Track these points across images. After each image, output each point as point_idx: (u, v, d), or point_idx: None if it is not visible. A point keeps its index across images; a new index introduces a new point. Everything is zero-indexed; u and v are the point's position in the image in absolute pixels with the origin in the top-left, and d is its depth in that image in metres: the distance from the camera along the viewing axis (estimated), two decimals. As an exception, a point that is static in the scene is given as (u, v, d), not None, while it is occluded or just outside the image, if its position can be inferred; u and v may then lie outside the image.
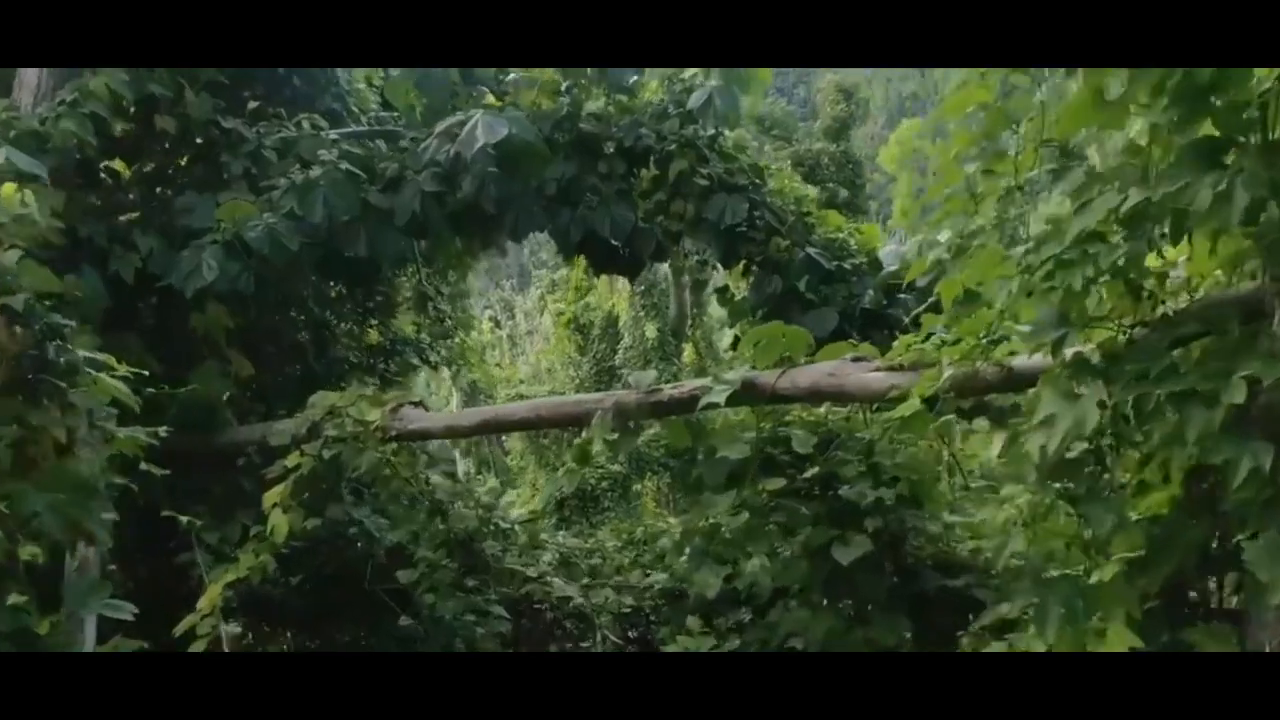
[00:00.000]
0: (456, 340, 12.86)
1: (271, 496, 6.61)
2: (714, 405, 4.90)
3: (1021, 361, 4.32)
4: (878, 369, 4.68)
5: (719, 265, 8.58)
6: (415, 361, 9.75)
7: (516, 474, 28.66)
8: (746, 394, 4.92)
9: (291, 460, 6.57)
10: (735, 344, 9.25)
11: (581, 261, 18.51)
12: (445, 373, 20.76)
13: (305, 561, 7.23)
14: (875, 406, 5.10)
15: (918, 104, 56.12)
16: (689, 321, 22.31)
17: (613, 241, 8.18)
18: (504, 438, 28.87)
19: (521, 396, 23.09)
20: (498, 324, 42.46)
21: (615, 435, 5.53)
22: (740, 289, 8.59)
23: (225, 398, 7.66)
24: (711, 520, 5.30)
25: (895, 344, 4.78)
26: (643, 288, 20.73)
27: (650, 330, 20.71)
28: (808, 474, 4.87)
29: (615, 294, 20.87)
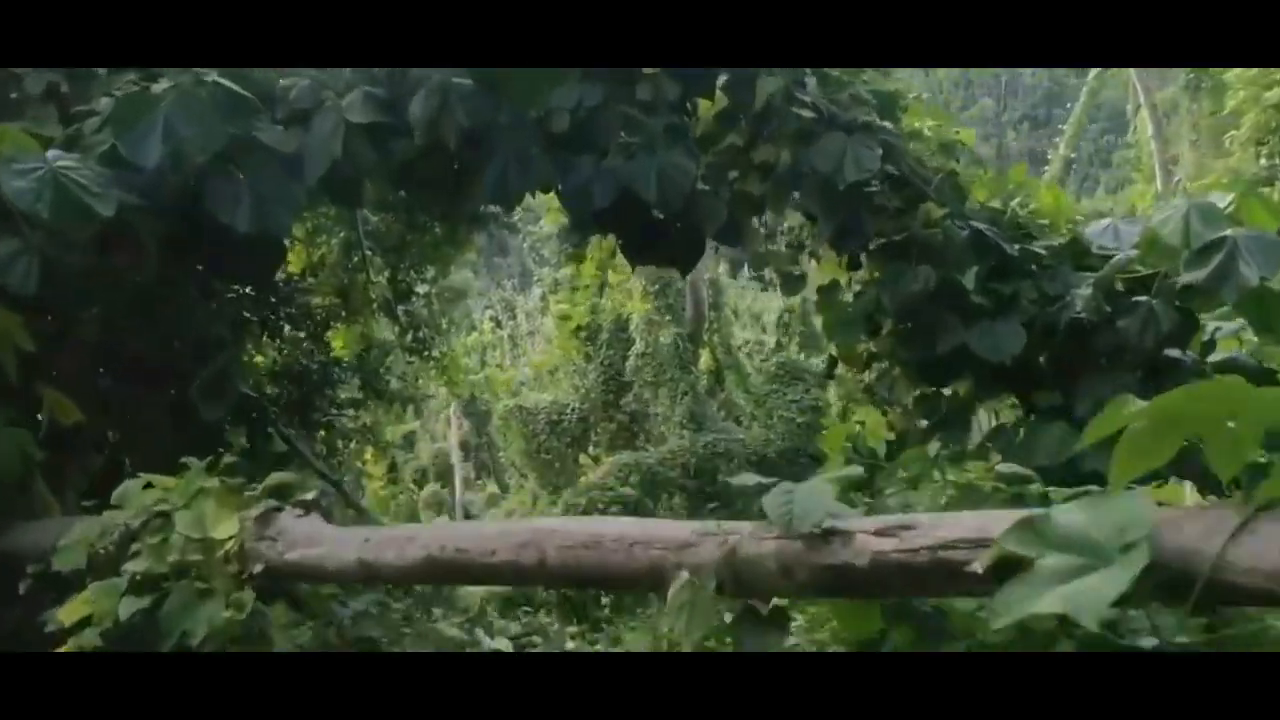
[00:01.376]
0: (438, 354, 9.55)
1: (42, 674, 3.29)
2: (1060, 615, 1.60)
3: None
4: None
5: (816, 253, 5.25)
6: (361, 393, 6.39)
7: (517, 483, 25.33)
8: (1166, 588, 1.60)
9: (70, 612, 3.26)
10: (830, 369, 5.95)
11: (598, 249, 15.02)
12: (438, 379, 17.40)
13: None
14: None
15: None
16: (706, 323, 18.98)
17: (655, 213, 4.88)
18: (500, 442, 25.45)
19: (522, 408, 19.75)
20: (498, 324, 39.33)
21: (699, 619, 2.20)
22: (848, 286, 5.27)
23: (28, 462, 4.37)
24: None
25: None
26: (657, 286, 17.34)
27: (666, 335, 17.32)
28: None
29: (627, 294, 17.41)
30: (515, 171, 4.33)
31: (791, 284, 5.10)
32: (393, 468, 16.24)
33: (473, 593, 6.19)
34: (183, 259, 4.42)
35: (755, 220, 4.99)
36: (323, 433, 6.40)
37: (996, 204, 5.00)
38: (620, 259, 15.89)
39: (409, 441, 28.23)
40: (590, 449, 19.07)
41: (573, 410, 19.05)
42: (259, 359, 5.95)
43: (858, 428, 6.41)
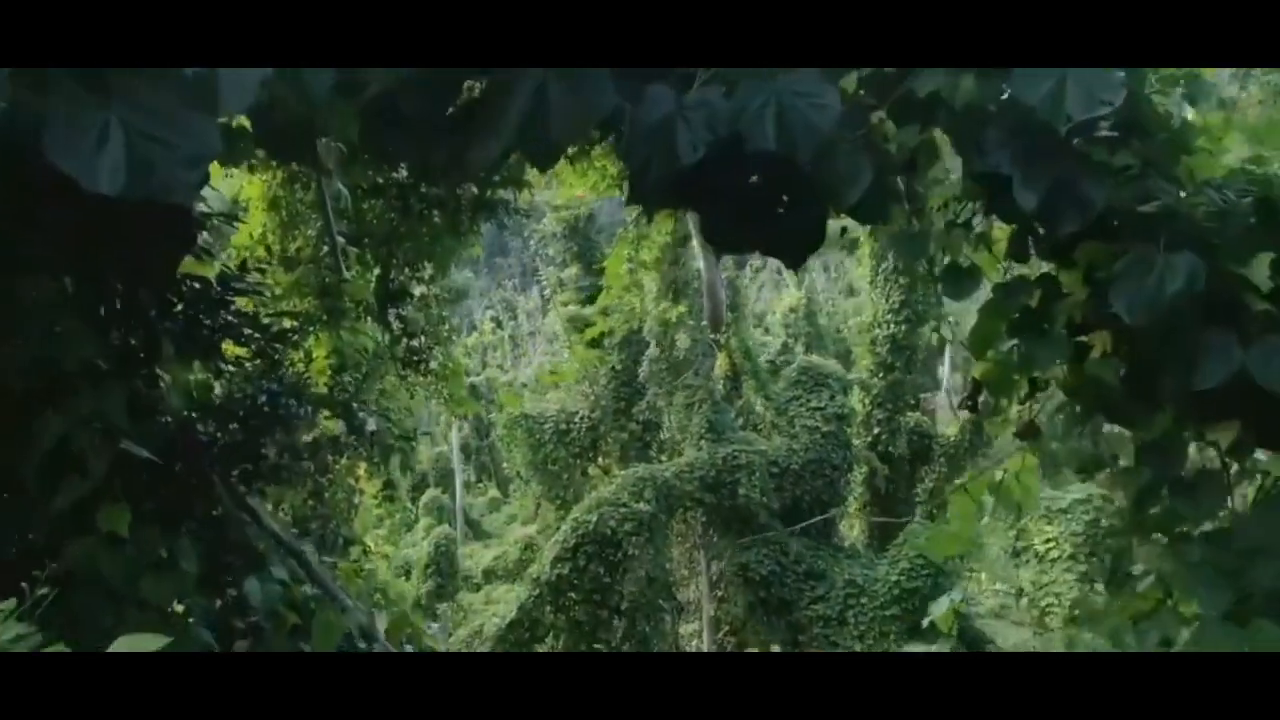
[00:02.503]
0: (436, 365, 7.85)
1: None
2: None
3: None
4: None
5: (987, 235, 3.51)
6: (330, 424, 4.65)
7: (519, 487, 23.65)
8: None
9: None
10: (974, 400, 4.22)
11: (624, 242, 13.20)
12: (436, 396, 15.64)
13: None
14: None
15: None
16: (724, 323, 17.26)
17: (751, 178, 3.15)
18: (504, 452, 23.76)
19: (528, 416, 18.02)
20: (499, 324, 37.66)
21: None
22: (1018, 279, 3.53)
23: None
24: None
25: None
26: (674, 285, 15.60)
27: (682, 339, 15.60)
28: None
29: (644, 293, 15.62)
30: (558, 99, 2.59)
31: (958, 281, 3.39)
32: (388, 484, 14.60)
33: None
34: (22, 242, 2.68)
35: (914, 187, 3.27)
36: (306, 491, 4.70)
37: (1242, 178, 3.29)
38: (650, 255, 13.84)
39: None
40: (600, 459, 17.39)
41: (582, 418, 17.34)
42: (198, 379, 4.20)
43: (1000, 476, 4.74)
